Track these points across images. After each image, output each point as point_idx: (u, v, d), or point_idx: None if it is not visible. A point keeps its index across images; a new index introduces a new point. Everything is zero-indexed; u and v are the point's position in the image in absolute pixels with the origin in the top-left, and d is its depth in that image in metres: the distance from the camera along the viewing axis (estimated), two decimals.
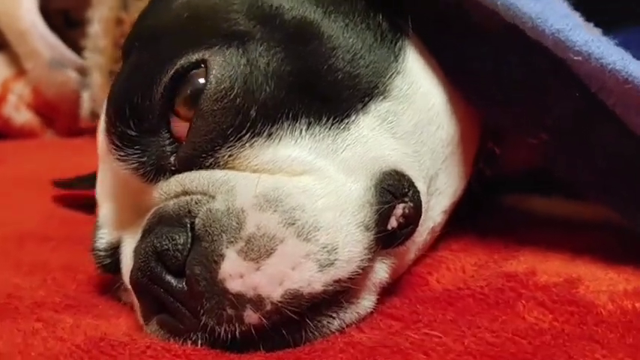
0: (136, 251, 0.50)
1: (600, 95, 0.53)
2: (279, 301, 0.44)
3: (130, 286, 0.52)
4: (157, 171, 0.50)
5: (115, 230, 0.56)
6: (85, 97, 1.25)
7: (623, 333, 0.45)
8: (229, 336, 0.45)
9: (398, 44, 0.55)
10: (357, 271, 0.46)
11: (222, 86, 0.48)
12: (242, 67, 0.48)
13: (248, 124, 0.48)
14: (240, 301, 0.44)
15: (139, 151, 0.50)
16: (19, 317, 0.53)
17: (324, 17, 0.52)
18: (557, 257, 0.58)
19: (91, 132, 1.32)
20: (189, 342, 0.46)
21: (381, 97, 0.52)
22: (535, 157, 0.67)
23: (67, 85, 1.24)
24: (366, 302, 0.48)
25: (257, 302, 0.44)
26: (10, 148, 1.24)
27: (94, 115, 1.25)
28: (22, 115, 1.25)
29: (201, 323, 0.45)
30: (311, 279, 0.44)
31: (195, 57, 0.48)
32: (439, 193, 0.57)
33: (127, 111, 0.50)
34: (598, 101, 0.53)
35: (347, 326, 0.47)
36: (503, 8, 0.51)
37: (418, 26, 0.57)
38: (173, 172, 0.50)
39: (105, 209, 0.57)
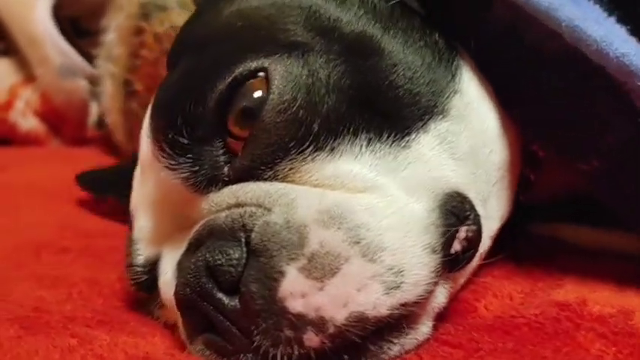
0: (181, 266, 0.48)
1: None
2: (343, 324, 0.42)
3: (171, 303, 0.50)
4: (208, 181, 0.48)
5: (152, 245, 0.54)
6: (94, 107, 1.22)
7: None
8: (285, 359, 0.42)
9: (454, 63, 0.54)
10: (423, 295, 0.44)
11: (286, 97, 0.46)
12: (304, 77, 0.47)
13: (311, 138, 0.46)
14: (300, 322, 0.42)
15: (190, 160, 0.48)
16: (53, 332, 0.49)
17: (383, 33, 0.51)
18: (604, 287, 0.57)
19: (97, 141, 1.31)
20: None
21: (441, 117, 0.50)
22: (572, 184, 0.67)
23: (75, 93, 1.21)
24: (424, 328, 0.47)
25: (319, 324, 0.42)
26: (13, 155, 1.20)
27: (101, 125, 1.22)
28: (29, 122, 1.21)
29: (254, 345, 0.43)
30: (377, 302, 0.42)
31: (254, 65, 0.47)
32: (489, 218, 0.55)
33: (179, 118, 0.47)
34: None
35: (405, 352, 0.45)
36: (568, 30, 0.50)
37: (469, 46, 0.56)
38: (226, 183, 0.48)
39: (143, 221, 0.54)
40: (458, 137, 0.51)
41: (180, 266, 0.48)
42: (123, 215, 0.62)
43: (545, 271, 0.62)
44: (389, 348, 0.44)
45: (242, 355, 0.44)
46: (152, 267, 0.54)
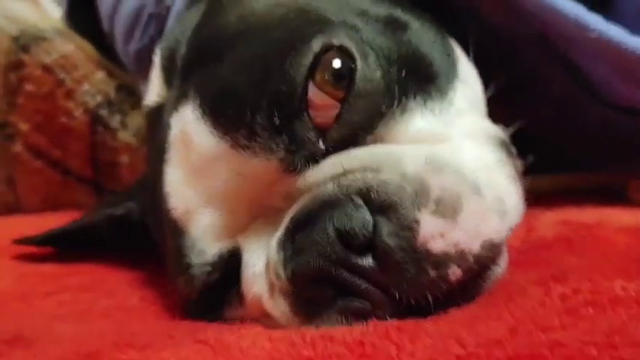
0: (290, 245, 0.48)
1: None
2: (480, 253, 0.47)
3: (257, 297, 0.50)
4: (305, 158, 0.49)
5: (223, 240, 0.52)
6: None
7: None
8: (431, 301, 0.46)
9: (448, 38, 0.62)
10: (520, 218, 0.51)
11: (370, 65, 0.50)
12: (370, 48, 0.51)
13: (395, 100, 0.50)
14: (443, 260, 0.46)
15: (287, 139, 0.48)
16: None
17: (403, 14, 0.58)
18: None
19: None
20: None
21: (457, 79, 0.58)
22: None
23: None
24: (506, 253, 0.53)
25: (460, 257, 0.46)
26: None
27: None
28: None
29: (397, 297, 0.46)
30: (498, 228, 0.48)
31: (329, 40, 0.49)
32: None
33: (263, 100, 0.48)
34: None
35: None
36: None
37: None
38: (322, 157, 0.49)
39: (206, 220, 0.52)
40: (469, 94, 0.59)
41: (285, 245, 0.48)
42: None
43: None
44: (498, 269, 0.50)
45: (383, 311, 0.46)
46: (226, 263, 0.52)
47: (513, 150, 0.57)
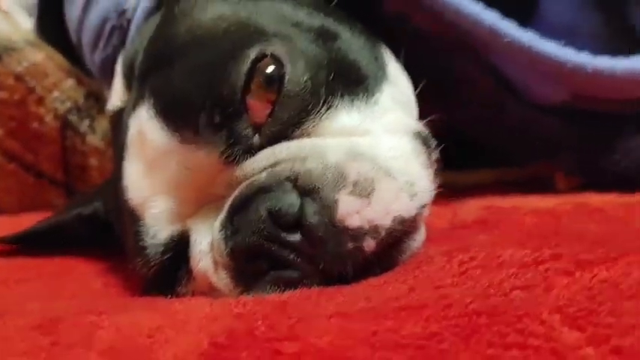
0: (229, 224, 0.55)
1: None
2: (391, 227, 0.54)
3: (204, 272, 0.57)
4: (243, 151, 0.57)
5: (174, 224, 0.60)
6: None
7: None
8: (350, 269, 0.53)
9: (377, 44, 0.70)
10: (431, 199, 0.59)
11: (299, 70, 0.57)
12: (300, 55, 0.59)
13: (322, 99, 0.58)
14: (359, 234, 0.53)
15: (226, 135, 0.56)
16: None
17: (334, 24, 0.66)
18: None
19: None
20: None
21: (386, 81, 0.66)
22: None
23: None
24: (423, 229, 0.61)
25: (374, 231, 0.54)
26: None
27: None
28: None
29: (320, 267, 0.53)
30: (407, 206, 0.56)
31: (264, 49, 0.57)
32: None
33: (207, 101, 0.56)
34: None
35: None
36: (450, 8, 0.71)
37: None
38: (256, 151, 0.57)
39: (159, 207, 0.60)
40: (397, 94, 0.67)
41: (226, 225, 0.56)
42: None
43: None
44: (414, 242, 0.58)
45: (309, 280, 0.54)
46: (177, 243, 0.60)
47: (432, 143, 0.65)
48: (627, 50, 0.77)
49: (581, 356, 0.36)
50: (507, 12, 0.74)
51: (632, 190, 0.74)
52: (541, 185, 0.87)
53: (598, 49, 0.75)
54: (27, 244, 0.84)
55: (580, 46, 0.75)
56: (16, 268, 0.77)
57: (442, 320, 0.41)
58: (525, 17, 0.76)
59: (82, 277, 0.72)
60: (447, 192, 0.64)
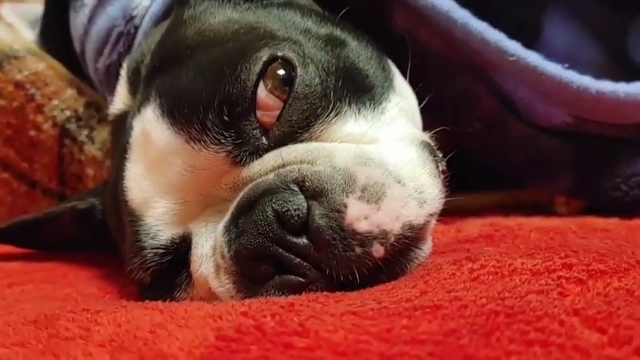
0: (233, 227, 0.54)
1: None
2: (400, 233, 0.53)
3: (204, 277, 0.56)
4: (250, 152, 0.56)
5: (176, 226, 0.58)
6: None
7: None
8: (357, 275, 0.52)
9: (383, 57, 0.70)
10: (439, 208, 0.58)
11: (309, 73, 0.57)
12: (311, 60, 0.58)
13: (331, 104, 0.58)
14: (368, 238, 0.52)
15: (234, 134, 0.55)
16: None
17: (342, 33, 0.66)
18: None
19: None
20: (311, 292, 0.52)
21: (393, 92, 0.66)
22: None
23: None
24: (430, 240, 0.60)
25: (382, 236, 0.53)
26: None
27: None
28: None
29: (327, 273, 0.52)
30: (417, 213, 0.55)
31: (275, 52, 0.57)
32: None
33: (215, 100, 0.55)
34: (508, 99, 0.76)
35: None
36: (460, 26, 0.71)
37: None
38: (265, 151, 0.56)
39: (161, 208, 0.58)
40: (404, 105, 0.67)
41: (230, 228, 0.54)
42: None
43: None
44: (422, 252, 0.57)
45: (315, 285, 0.52)
46: (178, 246, 0.58)
47: (438, 153, 0.64)
48: (626, 79, 0.78)
49: (605, 355, 0.35)
50: (512, 36, 0.75)
51: (634, 216, 0.74)
52: (542, 210, 0.86)
53: (598, 77, 0.76)
54: (17, 240, 0.82)
55: (581, 72, 0.76)
56: (6, 274, 0.75)
57: (459, 319, 0.40)
58: (529, 42, 0.77)
59: (75, 282, 0.70)
60: (448, 211, 0.63)
